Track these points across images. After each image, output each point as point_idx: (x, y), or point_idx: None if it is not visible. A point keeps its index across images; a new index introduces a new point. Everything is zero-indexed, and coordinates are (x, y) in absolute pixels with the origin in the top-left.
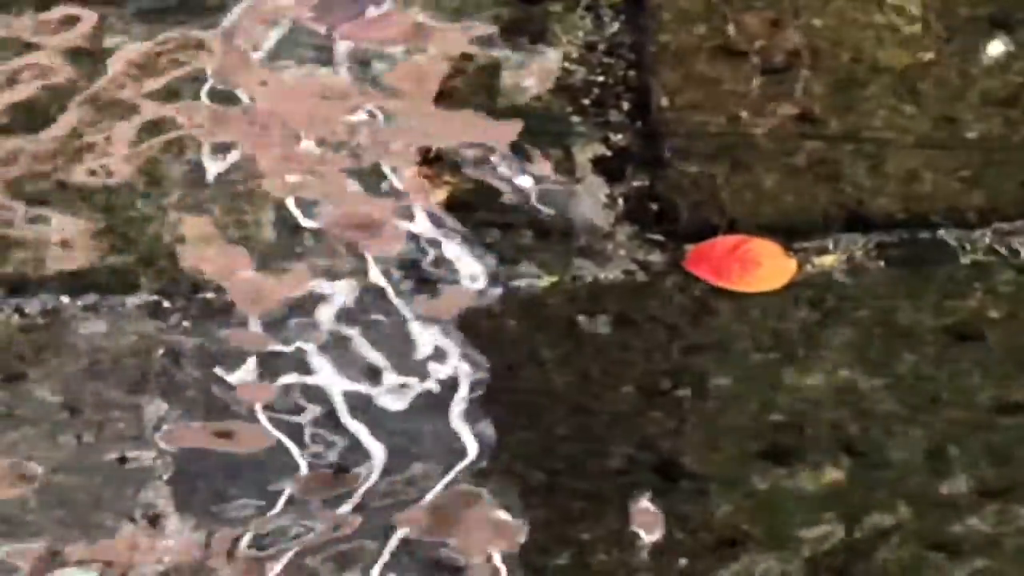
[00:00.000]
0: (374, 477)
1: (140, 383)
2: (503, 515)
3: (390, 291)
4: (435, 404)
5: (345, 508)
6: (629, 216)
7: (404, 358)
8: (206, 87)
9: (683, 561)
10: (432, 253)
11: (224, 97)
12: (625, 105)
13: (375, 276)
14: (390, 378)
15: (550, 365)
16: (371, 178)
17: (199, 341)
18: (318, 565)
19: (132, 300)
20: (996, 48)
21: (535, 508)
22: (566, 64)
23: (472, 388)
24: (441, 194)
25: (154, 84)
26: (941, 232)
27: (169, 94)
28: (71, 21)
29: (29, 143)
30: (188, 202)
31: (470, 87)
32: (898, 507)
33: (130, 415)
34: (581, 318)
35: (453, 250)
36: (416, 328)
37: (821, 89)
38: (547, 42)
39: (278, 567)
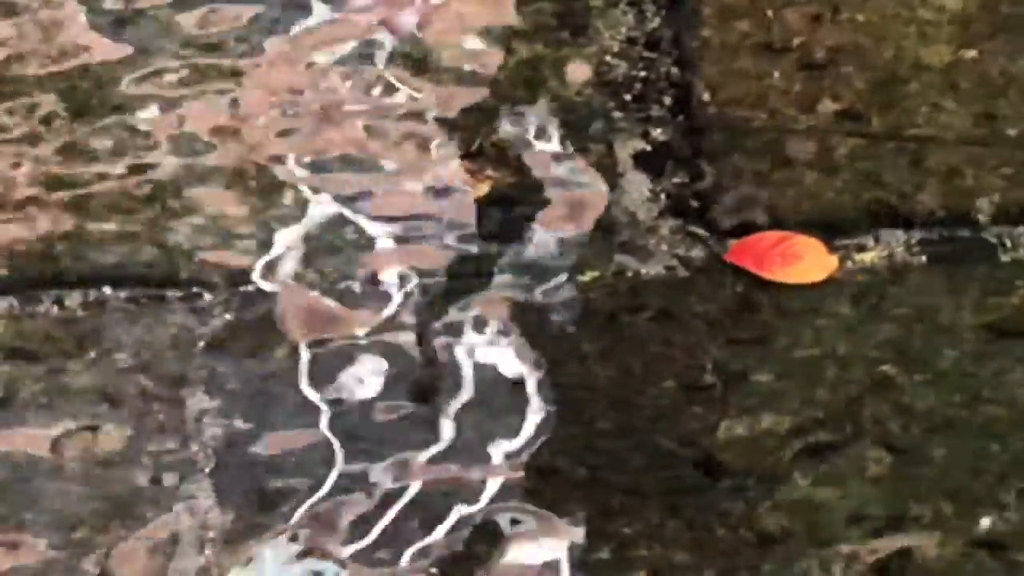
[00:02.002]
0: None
1: (181, 376)
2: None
3: None
4: None
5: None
6: (671, 211)
7: None
8: None
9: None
10: None
11: None
12: (667, 100)
13: None
14: None
15: (591, 360)
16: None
17: (239, 334)
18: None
19: (172, 293)
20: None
21: (577, 503)
22: (607, 59)
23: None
24: (483, 188)
25: None
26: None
27: None
28: None
29: None
30: None
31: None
32: (940, 504)
33: (171, 408)
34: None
35: None
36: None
37: (862, 86)
38: (588, 36)
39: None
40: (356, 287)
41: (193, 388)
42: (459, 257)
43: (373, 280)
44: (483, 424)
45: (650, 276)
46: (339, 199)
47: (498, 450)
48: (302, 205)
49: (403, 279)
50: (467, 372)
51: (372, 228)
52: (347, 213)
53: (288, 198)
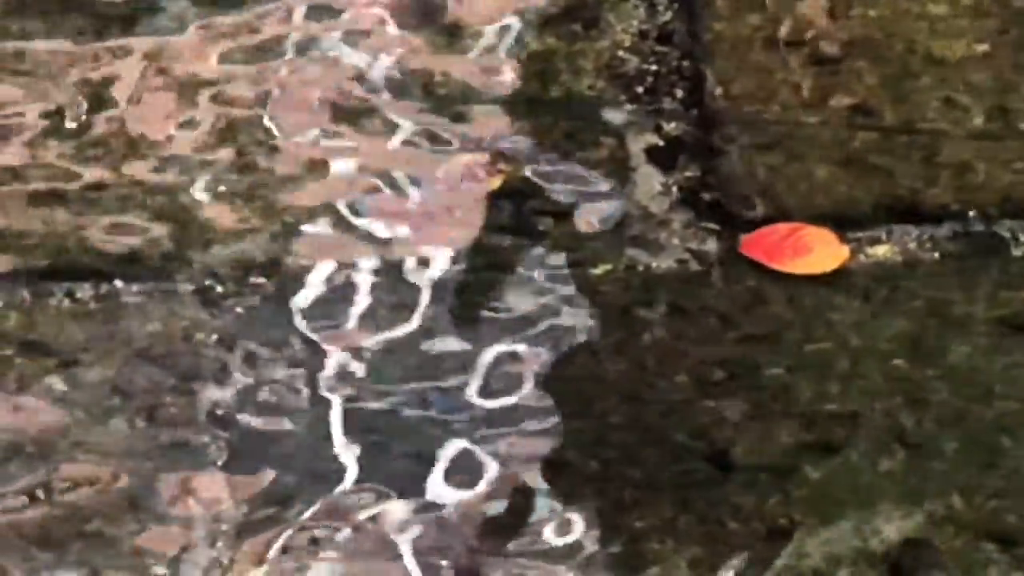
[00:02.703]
0: None
1: (193, 368)
2: None
3: None
4: None
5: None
6: (683, 205)
7: None
8: None
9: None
10: None
11: None
12: (679, 94)
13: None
14: None
15: (603, 354)
16: None
17: (251, 326)
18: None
19: (184, 285)
20: None
21: (589, 497)
22: (619, 52)
23: None
24: (495, 182)
25: None
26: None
27: None
28: None
29: None
30: None
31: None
32: (952, 498)
33: (183, 400)
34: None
35: None
36: None
37: (875, 80)
38: (600, 30)
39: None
40: None
41: (205, 381)
42: None
43: None
44: None
45: (662, 270)
46: None
47: None
48: None
49: None
50: None
51: None
52: None
53: None
